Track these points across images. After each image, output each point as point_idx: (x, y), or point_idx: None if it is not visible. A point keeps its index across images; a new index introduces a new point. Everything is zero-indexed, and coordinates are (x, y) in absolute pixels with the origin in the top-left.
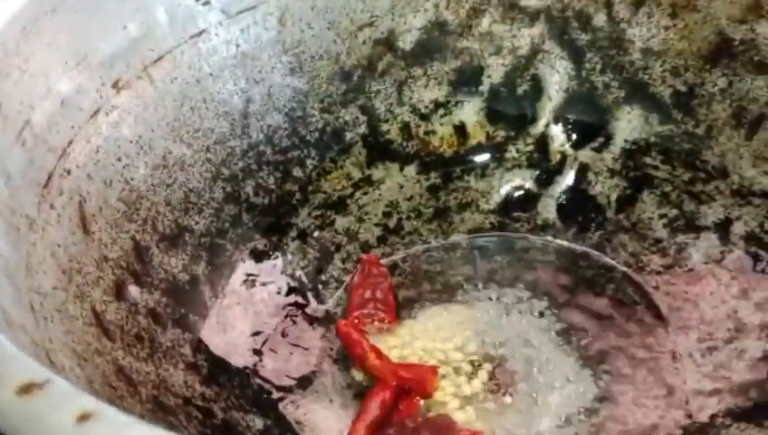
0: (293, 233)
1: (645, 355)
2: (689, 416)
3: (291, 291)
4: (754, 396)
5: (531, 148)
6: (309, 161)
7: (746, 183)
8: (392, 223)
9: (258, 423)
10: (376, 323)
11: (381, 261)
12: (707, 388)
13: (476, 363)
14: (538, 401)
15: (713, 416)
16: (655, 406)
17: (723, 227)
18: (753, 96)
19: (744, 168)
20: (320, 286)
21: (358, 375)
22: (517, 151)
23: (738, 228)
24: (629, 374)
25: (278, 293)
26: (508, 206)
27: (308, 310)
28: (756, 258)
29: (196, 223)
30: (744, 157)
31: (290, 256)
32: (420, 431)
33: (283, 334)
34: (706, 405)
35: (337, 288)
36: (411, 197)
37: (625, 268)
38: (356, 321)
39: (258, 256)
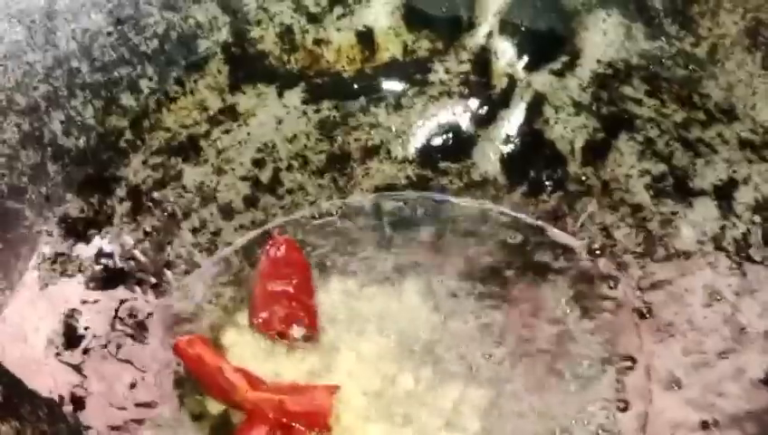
0: (122, 191)
1: (602, 370)
2: None
3: (118, 279)
4: (752, 432)
5: (466, 67)
6: (144, 83)
7: (759, 129)
8: (265, 176)
9: None
10: (294, 327)
11: (250, 233)
12: (692, 420)
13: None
14: None
15: None
16: None
17: (725, 192)
18: None
19: (757, 107)
20: (162, 271)
21: (213, 405)
22: (446, 72)
23: (745, 194)
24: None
25: (100, 281)
26: (432, 152)
27: (143, 306)
28: (764, 237)
29: None
30: (759, 92)
31: (117, 227)
32: None
33: (107, 344)
34: None
35: (186, 273)
36: (294, 137)
37: (591, 250)
38: (260, 323)
39: (71, 227)
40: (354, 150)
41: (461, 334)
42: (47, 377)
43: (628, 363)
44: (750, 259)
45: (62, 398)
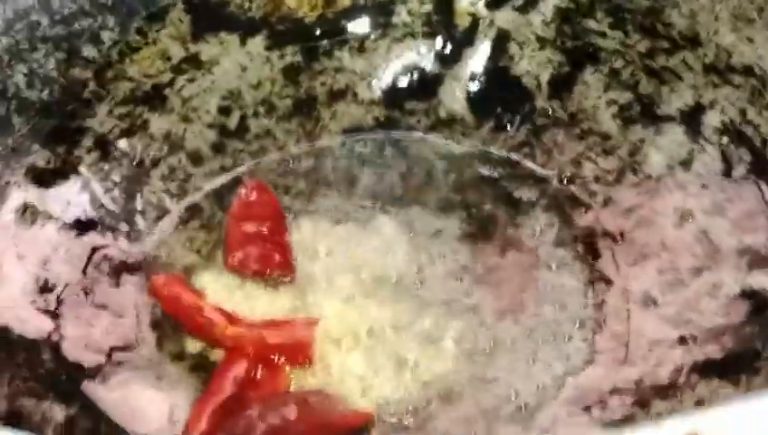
0: (89, 141)
1: (579, 295)
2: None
3: (90, 226)
4: (729, 345)
5: (428, 8)
6: (106, 34)
7: (723, 55)
8: (232, 122)
9: (58, 413)
10: (269, 267)
11: (218, 178)
12: (670, 336)
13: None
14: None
15: (676, 371)
16: (604, 363)
17: (692, 117)
18: None
19: (720, 33)
20: (133, 218)
21: (192, 344)
22: (409, 13)
23: (712, 118)
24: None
25: (72, 229)
26: (398, 93)
27: (116, 253)
28: (732, 159)
29: None
30: (721, 18)
31: (86, 176)
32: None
33: (85, 290)
34: (668, 358)
35: (158, 219)
36: (259, 83)
37: (561, 180)
38: (235, 263)
39: (40, 177)
40: (320, 94)
41: (436, 268)
42: (24, 323)
43: (604, 286)
44: (717, 178)
45: (40, 339)
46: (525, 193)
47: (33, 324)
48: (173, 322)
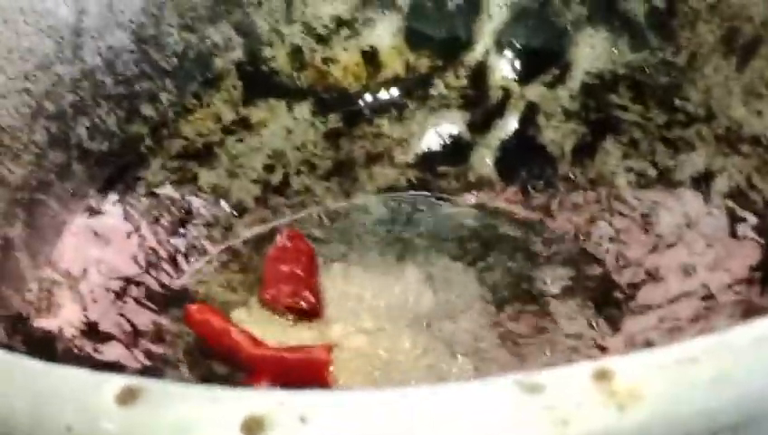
0: (142, 189)
1: (582, 342)
2: None
3: (137, 263)
4: None
5: (464, 82)
6: (164, 96)
7: (734, 126)
8: (276, 179)
9: None
10: (299, 302)
11: (258, 228)
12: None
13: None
14: None
15: None
16: None
17: (702, 183)
18: (747, 14)
19: (732, 106)
20: (176, 258)
21: (220, 368)
22: (446, 87)
23: (721, 184)
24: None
25: (120, 264)
26: (432, 158)
27: (158, 287)
28: (736, 220)
29: (11, 172)
30: (734, 93)
31: (136, 219)
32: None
33: (126, 318)
34: None
35: (199, 261)
36: (303, 145)
37: (577, 238)
38: (268, 298)
39: (94, 218)
40: (359, 157)
41: (453, 312)
42: (67, 342)
43: (610, 333)
44: (721, 237)
45: (81, 357)
46: (542, 249)
47: (76, 345)
48: (204, 347)
